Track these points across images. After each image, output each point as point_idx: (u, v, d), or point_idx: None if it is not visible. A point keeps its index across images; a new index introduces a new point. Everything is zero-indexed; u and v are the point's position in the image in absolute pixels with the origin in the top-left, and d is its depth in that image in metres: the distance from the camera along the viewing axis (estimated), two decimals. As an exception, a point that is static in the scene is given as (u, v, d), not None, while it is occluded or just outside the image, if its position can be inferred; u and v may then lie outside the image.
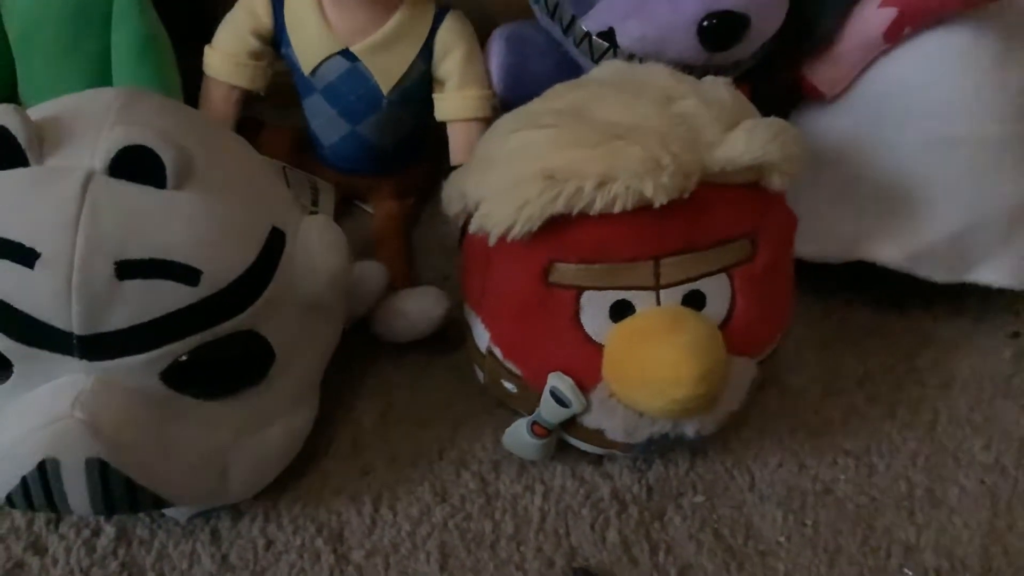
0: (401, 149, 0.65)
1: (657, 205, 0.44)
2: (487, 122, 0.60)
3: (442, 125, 0.63)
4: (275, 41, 0.61)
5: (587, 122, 0.47)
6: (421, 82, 0.62)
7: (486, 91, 0.62)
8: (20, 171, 0.40)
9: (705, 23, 0.55)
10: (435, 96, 0.62)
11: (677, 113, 0.48)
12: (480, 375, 0.53)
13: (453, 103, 0.62)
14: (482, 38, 0.63)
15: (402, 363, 0.58)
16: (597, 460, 0.54)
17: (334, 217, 0.62)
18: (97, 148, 0.40)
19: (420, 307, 0.57)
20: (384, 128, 0.63)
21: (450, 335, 0.58)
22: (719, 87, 0.51)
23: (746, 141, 0.46)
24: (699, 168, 0.45)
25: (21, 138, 0.39)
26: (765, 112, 0.51)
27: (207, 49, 0.61)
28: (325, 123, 0.63)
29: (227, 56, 0.61)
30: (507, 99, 0.62)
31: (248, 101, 0.63)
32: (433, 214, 0.67)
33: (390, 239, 0.64)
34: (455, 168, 0.55)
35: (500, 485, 0.53)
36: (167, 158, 0.40)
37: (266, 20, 0.60)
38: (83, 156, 0.40)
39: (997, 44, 0.59)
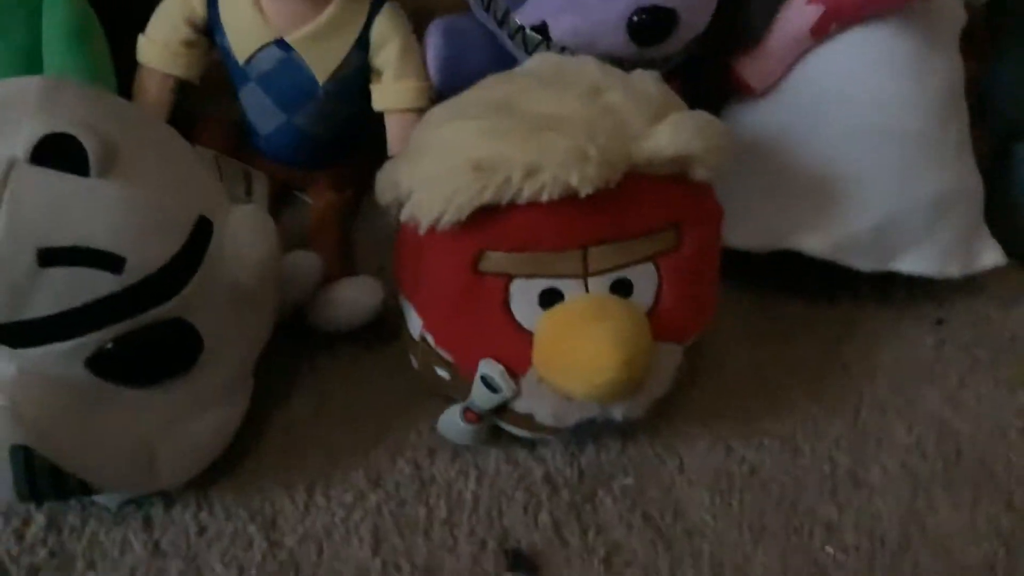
0: (338, 141, 0.65)
1: (583, 195, 0.45)
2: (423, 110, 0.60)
3: (381, 118, 0.63)
4: (209, 30, 0.61)
5: (516, 114, 0.48)
6: (358, 73, 0.62)
7: (423, 82, 0.63)
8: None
9: (635, 18, 0.56)
10: (372, 87, 0.63)
11: (604, 105, 0.49)
12: (414, 362, 0.54)
13: (390, 94, 0.62)
14: (418, 30, 0.64)
15: (337, 354, 0.59)
16: (531, 445, 0.55)
17: (270, 208, 0.62)
18: (19, 136, 0.40)
19: (355, 296, 0.57)
20: (320, 119, 0.63)
21: (386, 326, 0.58)
22: (647, 80, 0.52)
23: (671, 134, 0.47)
24: (625, 159, 0.46)
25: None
26: (696, 106, 0.52)
27: (141, 38, 0.61)
28: (260, 113, 0.63)
29: (161, 45, 0.60)
30: (444, 91, 0.62)
31: (183, 90, 0.62)
32: (372, 207, 0.67)
33: (327, 231, 0.64)
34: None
35: (435, 470, 0.53)
36: (90, 146, 0.40)
37: (200, 9, 0.60)
38: (4, 144, 0.40)
39: (919, 42, 0.62)
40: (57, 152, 0.39)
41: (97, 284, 0.40)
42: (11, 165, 0.39)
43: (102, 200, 0.40)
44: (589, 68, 0.52)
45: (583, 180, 0.45)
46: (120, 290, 0.40)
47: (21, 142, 0.40)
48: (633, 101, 0.49)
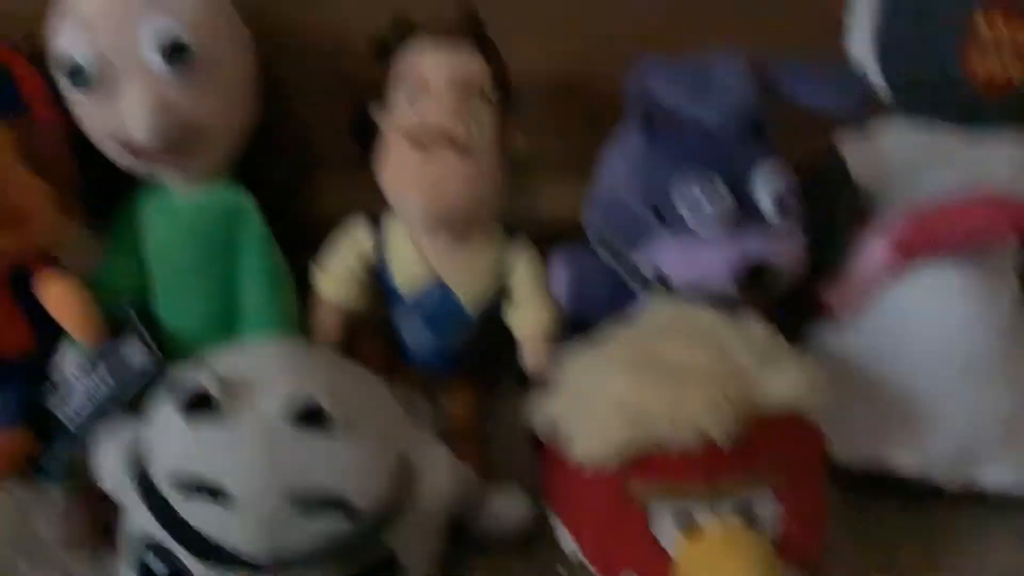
0: (481, 353, 0.74)
1: (720, 443, 0.54)
2: (554, 333, 0.70)
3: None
4: (378, 267, 0.71)
5: (658, 367, 0.57)
6: (499, 301, 0.71)
7: (552, 308, 0.71)
8: (215, 421, 0.50)
9: (741, 274, 0.64)
10: (508, 311, 0.72)
11: (727, 358, 0.57)
12: (563, 573, 0.61)
13: (525, 320, 0.71)
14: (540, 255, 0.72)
15: (489, 559, 0.64)
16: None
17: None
18: (274, 398, 0.50)
19: (506, 509, 0.63)
20: (468, 340, 0.72)
21: (533, 530, 0.64)
22: (756, 327, 0.61)
23: (785, 385, 0.56)
24: (749, 408, 0.55)
25: (216, 394, 0.49)
26: (787, 328, 0.61)
27: (318, 273, 0.71)
28: (414, 334, 0.72)
29: (336, 280, 0.70)
30: (571, 314, 0.72)
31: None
32: (505, 407, 0.74)
33: (468, 433, 0.72)
34: (528, 373, 0.65)
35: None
36: (331, 409, 0.50)
37: (370, 251, 0.70)
38: (263, 406, 0.50)
39: (983, 277, 0.69)
40: (307, 414, 0.49)
41: (337, 527, 0.49)
42: (271, 426, 0.49)
43: (341, 456, 0.50)
44: (707, 319, 0.62)
45: (720, 432, 0.54)
46: (353, 531, 0.50)
47: (276, 404, 0.50)
48: (749, 351, 0.58)
